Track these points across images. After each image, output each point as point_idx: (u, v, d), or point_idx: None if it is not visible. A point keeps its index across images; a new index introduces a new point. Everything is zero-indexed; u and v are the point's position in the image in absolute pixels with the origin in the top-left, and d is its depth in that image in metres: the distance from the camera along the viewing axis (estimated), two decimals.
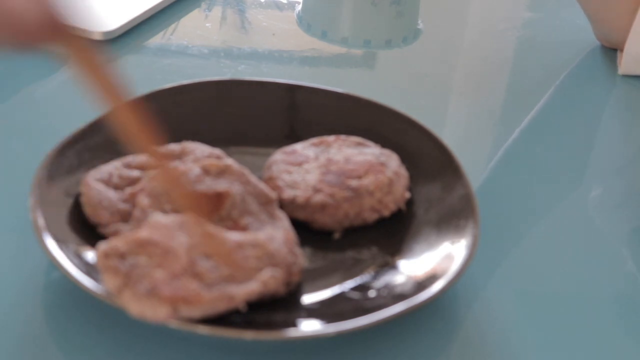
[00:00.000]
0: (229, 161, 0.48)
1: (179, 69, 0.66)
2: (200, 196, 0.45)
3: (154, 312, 0.38)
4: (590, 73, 0.73)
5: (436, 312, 0.44)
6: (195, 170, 0.46)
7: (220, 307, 0.39)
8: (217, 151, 0.50)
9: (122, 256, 0.39)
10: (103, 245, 0.40)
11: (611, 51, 0.76)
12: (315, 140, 0.53)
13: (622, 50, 0.72)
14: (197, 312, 0.38)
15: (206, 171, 0.46)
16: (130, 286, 0.38)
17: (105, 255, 0.39)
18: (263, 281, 0.40)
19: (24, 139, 0.55)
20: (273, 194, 0.47)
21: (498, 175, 0.58)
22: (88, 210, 0.45)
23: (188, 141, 0.51)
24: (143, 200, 0.45)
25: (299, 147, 0.52)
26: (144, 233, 0.40)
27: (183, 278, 0.39)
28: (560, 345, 0.43)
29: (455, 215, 0.47)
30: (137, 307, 0.38)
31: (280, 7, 0.81)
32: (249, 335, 0.38)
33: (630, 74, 0.72)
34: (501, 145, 0.62)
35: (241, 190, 0.46)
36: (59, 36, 0.36)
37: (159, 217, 0.42)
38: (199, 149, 0.49)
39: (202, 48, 0.70)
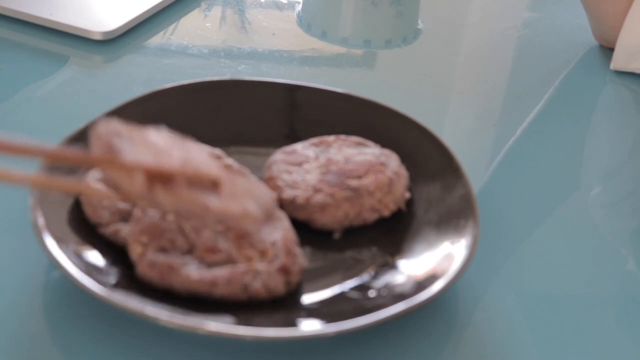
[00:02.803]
0: (229, 161, 0.48)
1: (179, 69, 0.66)
2: (196, 179, 0.44)
3: (130, 182, 0.37)
4: (589, 73, 0.73)
5: (436, 312, 0.44)
6: None
7: (194, 210, 0.38)
8: (217, 151, 0.50)
9: (118, 134, 0.38)
10: (103, 124, 0.39)
11: (609, 51, 0.76)
12: (315, 140, 0.53)
13: None
14: (168, 201, 0.37)
15: None
16: (115, 155, 0.37)
17: (104, 131, 0.38)
18: (243, 208, 0.39)
19: (23, 139, 0.55)
20: (273, 194, 0.47)
21: (498, 175, 0.58)
22: (88, 210, 0.45)
23: None
24: None
25: (299, 147, 0.52)
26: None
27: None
28: (560, 345, 0.43)
29: (455, 215, 0.47)
30: (116, 175, 0.37)
31: (280, 7, 0.81)
32: (249, 335, 0.38)
33: (621, 69, 0.72)
34: (501, 145, 0.62)
35: None
36: None
37: (153, 134, 0.41)
38: None
39: (202, 48, 0.70)
